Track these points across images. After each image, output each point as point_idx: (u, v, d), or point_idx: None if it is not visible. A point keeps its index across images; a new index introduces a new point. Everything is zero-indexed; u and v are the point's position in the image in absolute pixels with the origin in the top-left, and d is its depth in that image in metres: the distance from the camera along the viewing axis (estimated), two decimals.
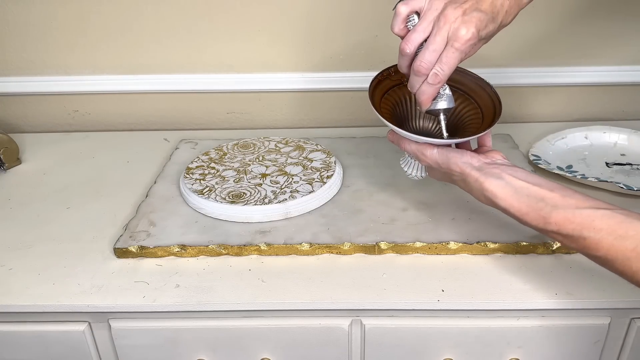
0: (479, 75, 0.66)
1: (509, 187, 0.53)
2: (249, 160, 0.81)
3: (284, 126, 1.04)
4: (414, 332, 0.61)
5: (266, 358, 0.63)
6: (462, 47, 0.53)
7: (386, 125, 0.61)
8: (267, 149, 0.85)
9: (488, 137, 0.62)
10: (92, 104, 1.03)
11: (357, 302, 0.59)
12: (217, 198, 0.71)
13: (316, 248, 0.65)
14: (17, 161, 0.90)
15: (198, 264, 0.65)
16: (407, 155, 0.68)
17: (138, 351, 0.63)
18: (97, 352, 0.65)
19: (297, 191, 0.72)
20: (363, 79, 0.98)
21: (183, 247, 0.65)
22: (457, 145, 0.63)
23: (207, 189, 0.74)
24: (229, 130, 1.02)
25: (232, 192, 0.73)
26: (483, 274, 0.62)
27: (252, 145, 0.86)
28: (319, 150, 0.83)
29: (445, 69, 0.54)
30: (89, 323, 0.63)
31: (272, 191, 0.73)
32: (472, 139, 0.61)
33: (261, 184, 0.75)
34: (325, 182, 0.74)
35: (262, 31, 0.95)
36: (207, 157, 0.83)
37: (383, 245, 0.65)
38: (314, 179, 0.75)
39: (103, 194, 0.80)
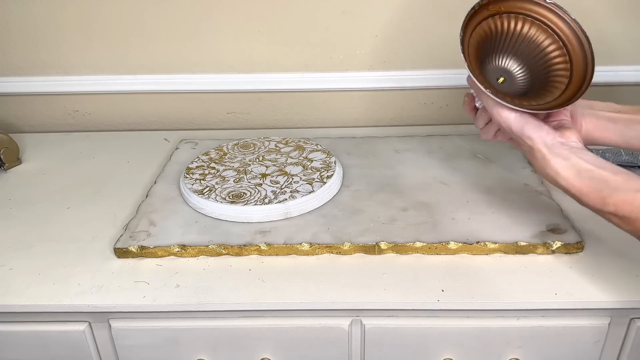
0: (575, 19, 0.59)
1: (574, 168, 0.54)
2: (249, 160, 0.81)
3: (284, 126, 1.04)
4: (414, 332, 0.61)
5: (266, 358, 0.63)
6: None
7: (469, 76, 0.58)
8: (267, 149, 0.85)
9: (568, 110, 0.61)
10: (92, 104, 1.03)
11: (357, 302, 0.59)
12: (217, 198, 0.71)
13: (316, 248, 0.65)
14: (17, 161, 0.90)
15: (198, 264, 0.65)
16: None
17: (138, 351, 0.63)
18: (97, 352, 0.65)
19: (297, 191, 0.72)
20: (363, 79, 0.98)
21: (183, 247, 0.65)
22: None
23: (207, 189, 0.74)
24: (229, 130, 1.02)
25: (232, 192, 0.73)
26: (483, 274, 0.61)
27: (252, 145, 0.86)
28: (319, 150, 0.83)
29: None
30: (89, 323, 0.63)
31: (272, 191, 0.73)
32: (554, 112, 0.57)
33: (261, 184, 0.75)
34: (325, 182, 0.74)
35: (262, 31, 0.95)
36: (207, 157, 0.83)
37: (383, 245, 0.65)
38: (314, 179, 0.75)
39: (103, 194, 0.80)
